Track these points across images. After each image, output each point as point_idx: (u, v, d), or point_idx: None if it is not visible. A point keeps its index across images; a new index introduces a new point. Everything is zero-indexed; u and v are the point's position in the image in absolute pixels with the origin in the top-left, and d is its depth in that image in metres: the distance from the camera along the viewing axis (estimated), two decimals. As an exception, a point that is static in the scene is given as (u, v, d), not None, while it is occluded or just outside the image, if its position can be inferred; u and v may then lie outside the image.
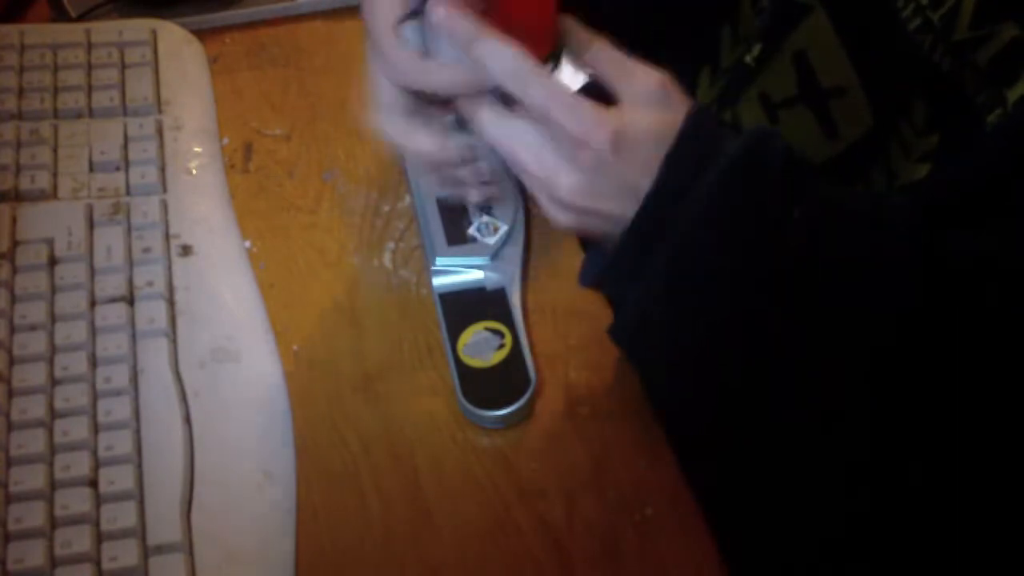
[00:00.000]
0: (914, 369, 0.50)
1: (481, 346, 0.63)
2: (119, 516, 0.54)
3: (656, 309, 0.53)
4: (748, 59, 0.66)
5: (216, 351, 0.62)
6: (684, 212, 0.50)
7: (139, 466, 0.57)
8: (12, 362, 0.59)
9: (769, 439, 0.54)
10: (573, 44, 0.54)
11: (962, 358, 0.50)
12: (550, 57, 0.54)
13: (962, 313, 0.50)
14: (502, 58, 0.51)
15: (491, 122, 0.53)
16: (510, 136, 0.53)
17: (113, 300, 0.62)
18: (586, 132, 0.50)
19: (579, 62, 0.54)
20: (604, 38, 0.54)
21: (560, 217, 0.54)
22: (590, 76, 0.54)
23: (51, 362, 0.59)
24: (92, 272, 0.64)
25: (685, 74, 0.73)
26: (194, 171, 0.71)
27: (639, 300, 0.53)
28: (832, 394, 0.51)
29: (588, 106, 0.51)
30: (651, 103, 0.52)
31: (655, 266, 0.51)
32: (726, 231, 0.50)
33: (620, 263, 0.53)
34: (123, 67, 0.75)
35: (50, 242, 0.64)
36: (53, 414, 0.57)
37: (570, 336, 0.65)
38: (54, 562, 0.53)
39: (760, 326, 0.51)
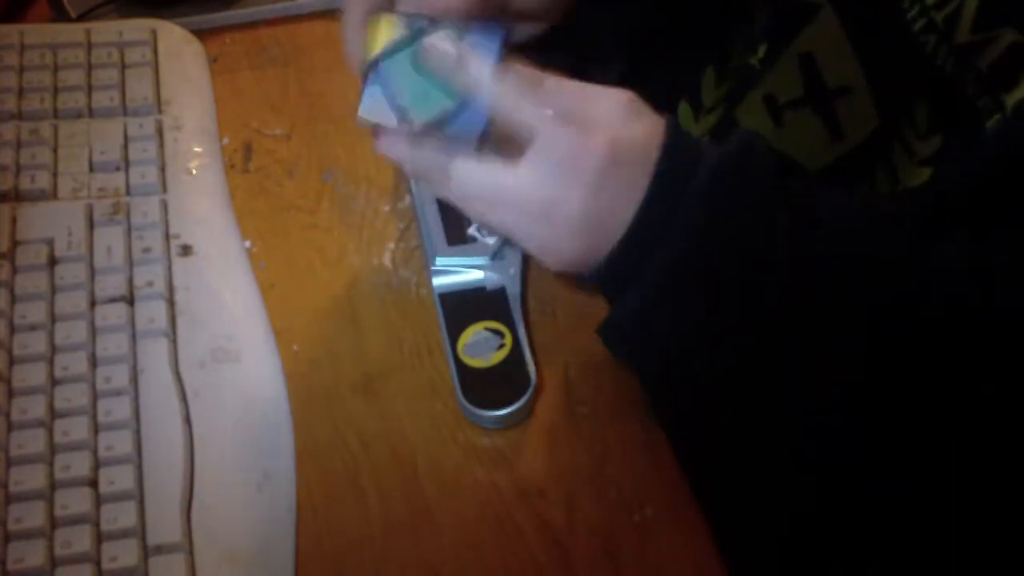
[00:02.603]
0: (907, 370, 0.50)
1: (481, 346, 0.63)
2: (119, 516, 0.54)
3: (650, 314, 0.51)
4: (753, 60, 0.66)
5: (216, 351, 0.62)
6: (672, 226, 0.49)
7: (139, 466, 0.57)
8: (12, 362, 0.59)
9: (767, 439, 0.54)
10: (525, 83, 0.51)
11: (953, 359, 0.50)
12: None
13: (952, 315, 0.50)
14: (488, 80, 0.50)
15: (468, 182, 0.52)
16: (494, 188, 0.51)
17: (113, 300, 0.62)
18: (582, 144, 0.49)
19: (534, 98, 0.51)
20: (554, 71, 0.52)
21: (564, 248, 0.51)
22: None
23: (51, 362, 0.59)
24: (92, 272, 0.64)
25: (689, 72, 0.73)
26: (194, 171, 0.71)
27: (631, 304, 0.52)
28: (827, 396, 0.51)
29: (577, 121, 0.49)
30: (627, 118, 0.50)
31: (649, 272, 0.50)
32: (714, 240, 0.49)
33: (613, 270, 0.51)
34: (123, 67, 0.75)
35: (50, 242, 0.64)
36: (53, 414, 0.57)
37: (570, 336, 0.65)
38: (54, 562, 0.53)
39: (750, 331, 0.50)
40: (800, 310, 0.50)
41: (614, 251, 0.50)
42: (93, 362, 0.60)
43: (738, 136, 0.50)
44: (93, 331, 0.61)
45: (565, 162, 0.49)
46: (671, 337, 0.52)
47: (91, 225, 0.66)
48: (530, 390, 0.61)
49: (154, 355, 0.61)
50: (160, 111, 0.74)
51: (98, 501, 0.55)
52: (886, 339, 0.49)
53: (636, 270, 0.50)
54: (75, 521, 0.54)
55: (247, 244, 0.69)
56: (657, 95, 0.63)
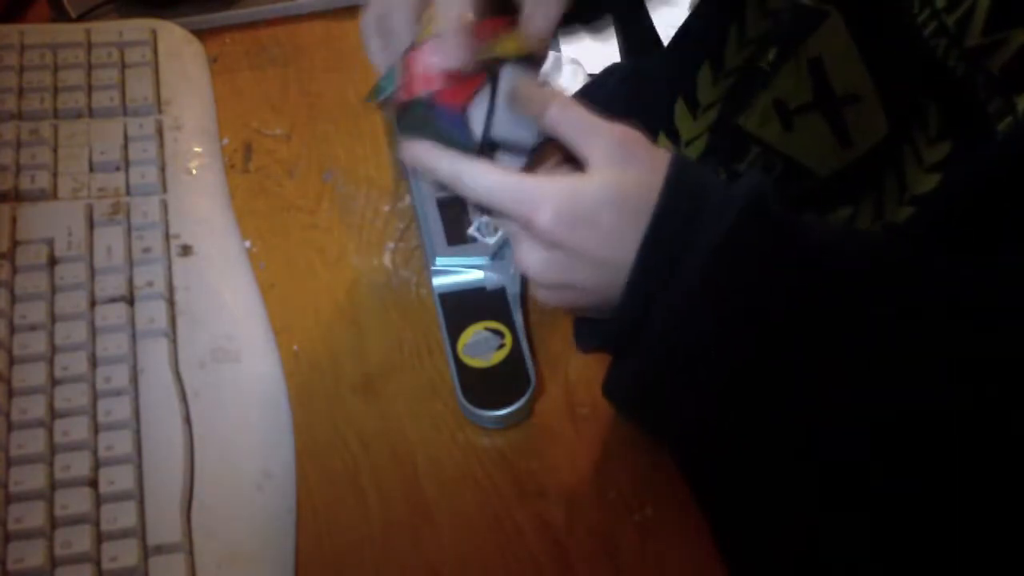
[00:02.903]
0: (910, 372, 0.50)
1: (481, 346, 0.63)
2: (119, 516, 0.54)
3: (650, 378, 0.52)
4: (764, 64, 0.66)
5: (216, 351, 0.62)
6: (674, 286, 0.49)
7: (139, 466, 0.57)
8: (12, 362, 0.59)
9: (770, 443, 0.54)
10: (529, 106, 0.51)
11: (958, 362, 0.50)
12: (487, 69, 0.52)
13: (957, 318, 0.50)
14: (438, 160, 0.51)
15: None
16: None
17: (113, 300, 0.62)
18: (530, 212, 0.49)
19: (538, 125, 0.52)
20: (562, 95, 0.52)
21: (540, 294, 0.53)
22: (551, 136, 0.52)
23: (51, 362, 0.59)
24: (92, 272, 0.64)
25: (686, 68, 0.73)
26: (194, 171, 0.71)
27: (632, 367, 0.52)
28: (830, 399, 0.51)
29: (529, 185, 0.50)
30: (610, 164, 0.50)
31: (648, 340, 0.50)
32: (718, 304, 0.49)
33: (613, 337, 0.52)
34: (123, 67, 0.75)
35: (50, 242, 0.64)
36: (53, 414, 0.57)
37: (570, 336, 0.64)
38: (54, 562, 0.53)
39: (759, 381, 0.50)
40: (805, 318, 0.49)
41: (606, 323, 0.51)
42: (93, 362, 0.60)
43: (743, 197, 0.49)
44: (93, 331, 0.61)
45: (520, 226, 0.50)
46: (673, 398, 0.52)
47: (91, 225, 0.66)
48: (530, 390, 0.61)
49: (154, 355, 0.61)
50: (160, 111, 0.74)
51: (98, 501, 0.55)
52: (890, 343, 0.49)
53: (631, 339, 0.50)
54: (75, 521, 0.54)
55: (247, 244, 0.69)
56: (654, 93, 0.63)
